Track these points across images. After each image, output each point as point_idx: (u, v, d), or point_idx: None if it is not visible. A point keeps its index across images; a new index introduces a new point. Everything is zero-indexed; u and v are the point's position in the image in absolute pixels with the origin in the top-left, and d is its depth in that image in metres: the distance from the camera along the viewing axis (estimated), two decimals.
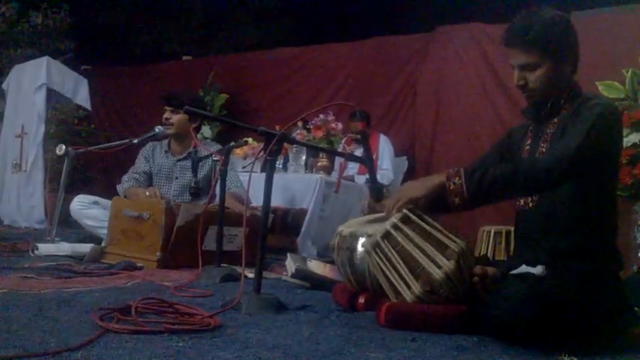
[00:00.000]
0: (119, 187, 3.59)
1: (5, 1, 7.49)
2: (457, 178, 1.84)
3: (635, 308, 1.95)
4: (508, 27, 1.95)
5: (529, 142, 2.03)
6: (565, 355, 1.59)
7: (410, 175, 5.42)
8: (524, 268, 1.86)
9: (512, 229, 2.72)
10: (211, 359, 1.36)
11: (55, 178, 5.52)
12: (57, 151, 3.66)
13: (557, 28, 1.88)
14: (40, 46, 7.32)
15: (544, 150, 1.93)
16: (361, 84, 6.05)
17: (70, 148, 3.64)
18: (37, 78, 5.88)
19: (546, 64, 1.88)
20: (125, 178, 3.64)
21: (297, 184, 4.38)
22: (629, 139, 3.98)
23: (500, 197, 1.90)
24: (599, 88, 4.17)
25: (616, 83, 4.23)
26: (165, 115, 3.59)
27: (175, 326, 1.60)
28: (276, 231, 5.06)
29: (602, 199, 1.89)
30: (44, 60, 5.97)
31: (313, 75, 6.41)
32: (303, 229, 4.20)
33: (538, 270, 1.83)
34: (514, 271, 1.87)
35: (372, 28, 6.15)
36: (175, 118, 3.56)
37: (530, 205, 1.96)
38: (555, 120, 1.95)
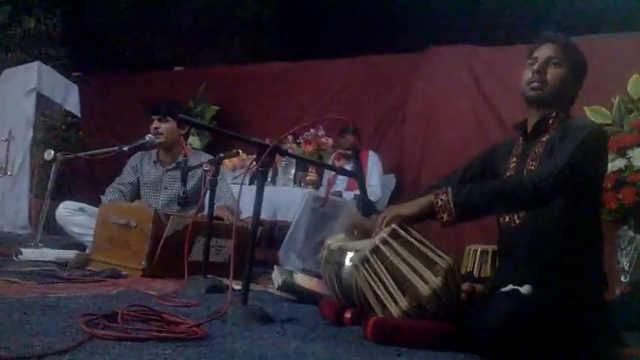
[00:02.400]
0: (103, 198, 3.57)
1: None
2: (444, 195, 1.87)
3: (618, 332, 1.97)
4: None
5: (514, 159, 2.07)
6: None
7: (398, 192, 5.43)
8: (512, 288, 1.87)
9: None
10: None
11: (41, 184, 5.48)
12: (45, 156, 3.64)
13: (581, 52, 2.05)
14: (31, 51, 7.28)
15: (533, 168, 1.96)
16: (351, 101, 6.07)
17: (58, 154, 3.62)
18: (28, 82, 5.87)
19: (568, 68, 1.99)
20: (109, 189, 3.62)
21: (285, 198, 4.38)
22: (615, 164, 4.03)
23: (488, 213, 1.94)
24: (587, 113, 4.23)
25: (603, 109, 4.29)
26: (153, 125, 3.57)
27: (162, 334, 1.59)
28: (263, 244, 5.05)
29: (587, 219, 1.93)
30: (35, 65, 5.96)
31: (303, 90, 6.42)
32: (284, 242, 4.19)
33: (525, 289, 1.84)
34: (502, 289, 1.88)
35: (363, 46, 6.20)
36: (164, 127, 3.56)
37: (516, 222, 1.98)
38: (544, 139, 1.99)
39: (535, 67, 2.00)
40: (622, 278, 4.08)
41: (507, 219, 2.02)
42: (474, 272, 3.24)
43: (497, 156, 2.15)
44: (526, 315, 1.67)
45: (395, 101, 5.84)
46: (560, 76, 1.98)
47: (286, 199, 4.37)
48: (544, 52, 2.01)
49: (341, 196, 4.81)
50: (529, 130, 2.04)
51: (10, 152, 5.88)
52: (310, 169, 4.65)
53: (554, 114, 1.99)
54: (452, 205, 1.85)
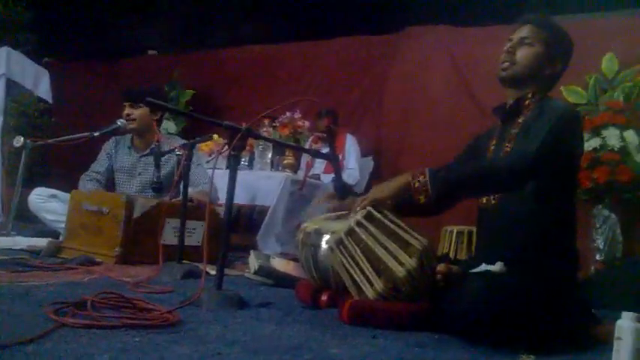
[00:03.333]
0: (81, 186, 3.50)
1: None
2: (422, 177, 1.87)
3: (593, 310, 1.98)
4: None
5: (494, 142, 2.06)
6: (524, 354, 1.60)
7: (376, 175, 5.42)
8: (483, 267, 1.87)
9: (475, 229, 2.75)
10: (168, 354, 1.33)
11: (13, 172, 5.36)
12: (14, 143, 3.56)
13: (564, 34, 2.03)
14: None
15: (508, 149, 1.95)
16: (328, 84, 6.05)
17: (28, 140, 3.54)
18: None
19: (541, 48, 1.97)
20: (86, 177, 3.56)
21: (262, 182, 4.35)
22: (590, 143, 4.06)
23: (465, 195, 1.94)
24: (563, 92, 4.25)
25: (579, 89, 4.32)
26: (125, 112, 3.51)
27: (133, 321, 1.56)
28: (241, 229, 5.02)
29: (562, 200, 1.93)
30: (4, 50, 5.79)
31: (280, 74, 6.37)
32: (262, 226, 4.17)
33: (497, 267, 1.84)
34: (474, 270, 1.88)
35: (340, 27, 6.13)
36: (136, 112, 3.49)
37: (493, 202, 1.98)
38: (520, 120, 1.98)
39: (506, 47, 2.00)
40: (597, 257, 4.13)
41: (485, 200, 2.02)
42: (450, 253, 3.25)
43: (481, 142, 2.15)
44: (498, 295, 1.67)
45: (372, 83, 5.82)
46: (530, 55, 1.97)
47: (264, 183, 4.34)
48: (519, 33, 2.00)
49: (319, 179, 4.79)
50: (507, 111, 2.03)
51: None
52: (287, 153, 4.62)
53: (530, 94, 1.98)
54: (429, 186, 1.84)
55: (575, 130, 1.93)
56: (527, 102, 1.99)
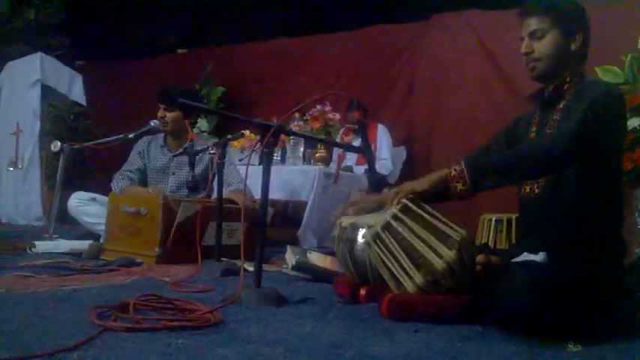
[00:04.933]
0: (113, 185, 3.55)
1: None
2: (458, 166, 1.84)
3: (639, 293, 1.93)
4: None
5: (534, 128, 2.01)
6: (570, 344, 1.57)
7: (409, 165, 5.38)
8: (525, 256, 1.83)
9: (514, 216, 2.70)
10: (212, 356, 1.34)
11: (52, 175, 5.48)
12: (52, 148, 3.63)
13: (571, 3, 1.96)
14: (33, 43, 7.25)
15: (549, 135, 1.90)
16: (357, 74, 6.00)
17: (65, 145, 3.61)
18: (31, 74, 5.86)
19: (554, 32, 1.91)
20: (119, 176, 3.60)
21: (295, 176, 4.36)
22: (630, 123, 3.93)
23: (502, 180, 1.87)
24: (598, 73, 4.13)
25: (615, 68, 4.19)
26: (159, 114, 3.54)
27: (174, 323, 1.57)
28: (277, 224, 5.04)
29: (606, 185, 1.86)
30: (37, 56, 5.94)
31: (309, 66, 6.36)
32: (304, 222, 4.18)
33: (540, 257, 1.80)
34: (516, 259, 1.84)
35: (367, 17, 6.08)
36: (170, 115, 3.52)
37: (536, 191, 1.93)
38: (560, 106, 1.93)
39: (523, 47, 1.96)
40: None
41: (527, 189, 1.97)
42: (489, 242, 3.20)
43: (519, 128, 2.10)
44: (543, 286, 1.63)
45: (401, 72, 5.77)
46: (547, 45, 1.91)
47: (297, 177, 4.35)
48: (526, 28, 1.95)
49: (352, 170, 4.78)
50: (546, 99, 1.98)
51: (20, 145, 5.90)
52: (319, 146, 4.62)
53: (568, 79, 1.93)
54: (465, 174, 1.81)
55: (616, 109, 1.85)
56: (566, 86, 1.93)
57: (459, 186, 1.82)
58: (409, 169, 5.32)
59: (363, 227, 2.02)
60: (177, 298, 1.89)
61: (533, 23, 1.93)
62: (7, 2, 7.30)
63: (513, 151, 1.89)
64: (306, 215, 4.19)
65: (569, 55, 1.92)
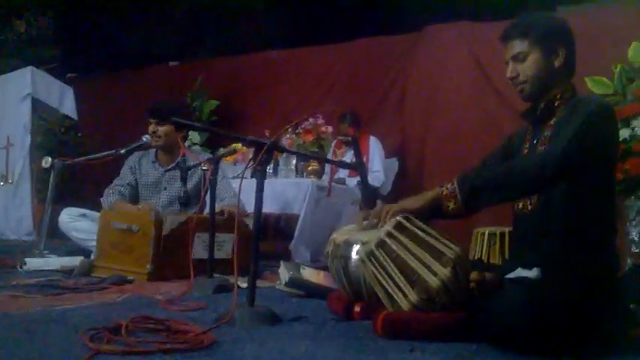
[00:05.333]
0: (103, 201, 3.53)
1: None
2: (450, 184, 1.84)
3: (631, 305, 1.93)
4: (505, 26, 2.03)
5: (527, 145, 2.02)
6: None
7: (401, 177, 5.38)
8: (519, 272, 1.83)
9: (507, 230, 2.69)
10: None
11: (43, 189, 5.45)
12: (43, 164, 3.62)
13: (549, 21, 2.00)
14: (24, 56, 7.23)
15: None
16: (349, 86, 6.02)
17: (56, 160, 3.59)
18: (22, 88, 5.84)
19: (535, 53, 1.93)
20: (109, 191, 3.57)
21: (288, 189, 4.35)
22: (619, 134, 3.97)
23: (495, 197, 1.87)
24: (588, 84, 4.16)
25: (605, 79, 4.22)
26: (150, 129, 3.52)
27: (167, 345, 1.56)
28: (269, 237, 5.02)
29: (599, 200, 1.87)
30: (28, 70, 5.92)
31: (301, 78, 6.36)
32: (296, 235, 4.16)
33: (533, 273, 1.80)
34: (510, 275, 1.84)
35: (359, 29, 6.10)
36: (162, 130, 3.50)
37: (529, 207, 1.94)
38: (551, 122, 1.94)
39: (507, 72, 1.99)
40: (632, 249, 4.04)
41: (521, 205, 1.98)
42: (482, 256, 3.20)
43: (514, 144, 2.11)
44: (537, 303, 1.63)
45: (394, 84, 5.78)
46: (530, 68, 1.94)
47: (290, 190, 4.34)
48: (509, 52, 1.99)
49: (344, 183, 4.77)
50: (537, 115, 1.99)
51: (10, 159, 5.86)
52: (312, 159, 4.61)
53: (558, 95, 1.94)
54: (457, 192, 1.81)
55: (607, 125, 1.86)
56: (556, 103, 1.94)
57: (451, 205, 1.83)
58: (402, 181, 5.33)
59: (356, 244, 2.01)
60: (170, 318, 1.87)
61: (514, 47, 1.96)
62: None
63: (504, 168, 1.89)
64: (298, 228, 4.17)
65: (554, 72, 1.94)
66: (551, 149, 1.79)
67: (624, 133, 4.02)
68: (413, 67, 5.62)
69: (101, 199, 3.57)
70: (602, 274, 1.80)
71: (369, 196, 2.31)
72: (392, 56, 5.81)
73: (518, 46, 1.95)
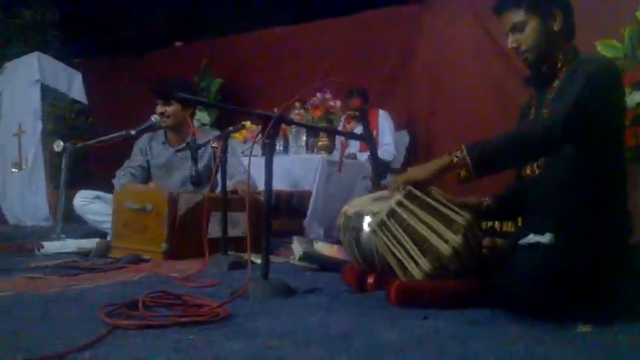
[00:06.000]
0: (115, 183, 3.56)
1: None
2: (459, 152, 1.83)
3: None
4: None
5: (533, 110, 2.01)
6: (580, 324, 1.57)
7: (412, 149, 5.37)
8: (532, 238, 1.83)
9: None
10: (222, 351, 1.34)
11: (57, 175, 5.49)
12: (55, 148, 3.64)
13: None
14: (30, 42, 7.24)
15: (545, 115, 1.90)
16: (356, 59, 5.98)
17: (67, 144, 3.61)
18: (30, 74, 5.84)
19: (533, 20, 1.91)
20: (120, 172, 3.60)
21: (299, 166, 4.36)
22: (632, 98, 3.92)
23: (505, 162, 1.87)
24: (598, 47, 4.10)
25: (615, 42, 4.16)
26: (158, 110, 3.53)
27: (184, 319, 1.58)
28: (282, 214, 5.04)
29: (607, 161, 1.85)
30: (35, 55, 5.92)
31: (307, 53, 6.33)
32: (309, 211, 4.18)
33: (546, 238, 1.80)
34: (522, 241, 1.84)
35: (364, 1, 6.03)
36: (170, 109, 3.51)
37: (536, 172, 1.94)
38: (554, 85, 1.93)
39: (509, 43, 1.97)
40: None
41: (528, 170, 1.98)
42: (495, 225, 3.19)
43: (524, 115, 2.10)
44: (550, 268, 1.63)
45: (400, 56, 5.74)
46: (529, 35, 1.92)
47: (301, 167, 4.35)
48: (506, 24, 1.96)
49: (355, 158, 4.77)
50: (540, 79, 1.98)
51: (23, 146, 5.90)
52: (321, 135, 4.61)
53: (560, 57, 1.92)
54: (468, 160, 1.80)
55: (612, 84, 1.83)
56: (559, 64, 1.92)
57: (463, 172, 1.81)
58: (412, 153, 5.32)
59: (367, 214, 2.02)
60: (186, 293, 1.89)
61: (510, 18, 1.94)
62: (1, 3, 7.28)
63: (512, 133, 1.88)
64: (311, 205, 4.19)
65: (555, 36, 1.92)
66: (555, 112, 1.78)
67: (637, 98, 3.97)
68: (419, 38, 5.58)
69: (113, 180, 3.60)
70: (613, 237, 1.80)
71: (380, 168, 2.30)
72: (398, 27, 5.76)
73: (514, 16, 1.93)
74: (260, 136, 2.10)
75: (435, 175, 1.86)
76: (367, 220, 2.01)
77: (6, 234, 4.61)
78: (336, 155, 4.61)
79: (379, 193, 2.22)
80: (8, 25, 7.34)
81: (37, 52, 5.99)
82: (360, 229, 2.05)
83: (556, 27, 1.91)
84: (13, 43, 7.21)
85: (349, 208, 2.14)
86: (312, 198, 4.18)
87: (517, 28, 1.93)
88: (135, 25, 7.82)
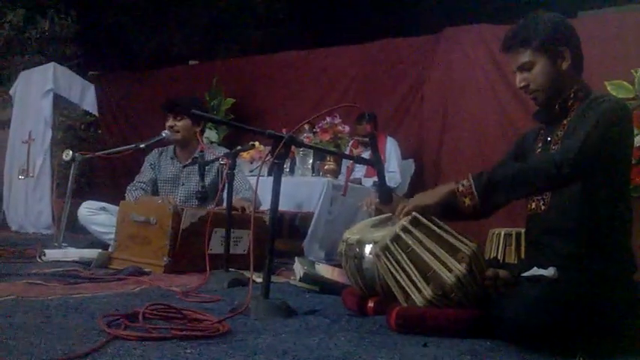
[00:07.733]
0: (127, 197, 3.57)
1: (12, 8, 7.52)
2: (466, 181, 1.84)
3: None
4: (504, 34, 2.00)
5: (540, 144, 2.02)
6: (580, 358, 1.56)
7: (418, 178, 5.37)
8: (535, 271, 1.83)
9: (523, 231, 2.69)
10: None
11: (63, 184, 5.52)
12: (64, 157, 3.66)
13: (548, 25, 1.93)
14: (47, 53, 7.34)
15: (555, 150, 1.91)
16: (367, 86, 6.02)
17: (77, 154, 3.64)
18: (44, 84, 5.91)
19: (541, 60, 1.91)
20: (132, 187, 3.63)
21: (304, 188, 4.36)
22: (639, 139, 3.93)
23: (511, 193, 1.85)
24: (608, 88, 4.13)
25: (625, 83, 4.19)
26: (168, 124, 3.57)
27: (184, 332, 1.58)
28: (284, 235, 5.04)
29: (613, 199, 1.86)
30: (51, 66, 5.99)
31: (319, 78, 6.38)
32: (309, 233, 4.17)
33: (550, 272, 1.80)
34: (526, 274, 1.84)
35: (378, 30, 6.11)
36: (180, 124, 3.55)
37: (542, 208, 1.94)
38: (565, 122, 1.94)
39: (517, 82, 1.97)
40: None
41: (534, 205, 1.98)
42: (498, 256, 3.20)
43: (526, 144, 2.11)
44: (553, 301, 1.63)
45: (412, 85, 5.78)
46: (538, 74, 1.92)
47: (306, 189, 4.35)
48: (515, 63, 1.96)
49: (360, 183, 4.78)
50: (551, 115, 1.99)
51: (31, 154, 5.94)
52: (328, 158, 4.62)
53: (571, 94, 1.93)
54: (473, 189, 1.81)
55: (622, 125, 1.84)
56: (570, 102, 1.94)
57: (467, 201, 1.82)
58: (418, 182, 5.32)
59: (369, 243, 2.02)
60: (186, 307, 1.89)
61: (517, 57, 1.94)
62: (23, 14, 7.39)
63: (520, 165, 1.89)
64: (311, 226, 4.18)
65: (564, 74, 1.93)
66: (568, 148, 1.78)
67: None
68: (431, 69, 5.61)
69: (126, 195, 3.61)
70: (617, 274, 1.80)
71: (386, 193, 2.30)
72: (411, 57, 5.80)
73: (522, 56, 1.93)
74: (270, 156, 2.11)
75: (441, 200, 1.87)
76: (369, 248, 2.01)
77: (8, 240, 4.62)
78: (341, 179, 4.62)
79: (379, 218, 2.23)
80: (27, 36, 7.44)
81: (53, 63, 6.07)
82: (362, 256, 2.05)
83: (564, 65, 1.92)
84: (31, 53, 7.31)
85: (351, 236, 2.14)
86: (314, 220, 4.18)
87: (525, 68, 1.94)
88: (151, 41, 7.93)
